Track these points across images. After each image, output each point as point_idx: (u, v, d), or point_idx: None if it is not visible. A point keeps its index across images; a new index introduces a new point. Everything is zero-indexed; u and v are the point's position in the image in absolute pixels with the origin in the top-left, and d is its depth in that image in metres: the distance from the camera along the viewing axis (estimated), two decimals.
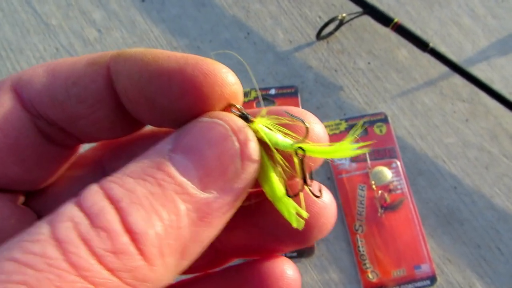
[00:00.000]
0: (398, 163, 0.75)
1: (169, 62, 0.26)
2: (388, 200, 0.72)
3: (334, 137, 0.77)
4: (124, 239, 0.22)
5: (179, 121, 0.26)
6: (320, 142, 0.28)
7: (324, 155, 0.28)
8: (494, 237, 0.72)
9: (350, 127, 0.78)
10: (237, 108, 0.27)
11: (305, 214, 0.27)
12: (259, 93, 0.80)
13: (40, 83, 0.27)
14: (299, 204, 0.28)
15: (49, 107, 0.27)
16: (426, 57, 0.82)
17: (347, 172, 0.74)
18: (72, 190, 0.30)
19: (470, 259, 0.71)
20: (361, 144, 0.28)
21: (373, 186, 0.73)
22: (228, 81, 0.26)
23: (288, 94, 0.79)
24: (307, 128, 0.27)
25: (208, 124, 0.25)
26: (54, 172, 0.30)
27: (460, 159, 0.77)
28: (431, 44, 0.78)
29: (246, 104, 0.79)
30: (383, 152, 0.76)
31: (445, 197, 0.75)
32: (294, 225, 0.27)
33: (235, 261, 0.33)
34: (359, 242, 0.71)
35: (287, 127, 0.28)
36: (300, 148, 0.27)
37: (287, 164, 0.27)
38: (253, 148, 0.26)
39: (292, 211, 0.27)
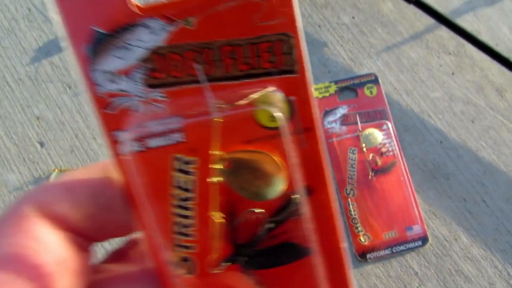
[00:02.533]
0: (389, 124, 0.75)
1: None
2: (380, 163, 0.73)
3: (324, 100, 0.75)
4: None
5: None
6: None
7: None
8: (480, 190, 0.74)
9: (340, 89, 0.76)
10: None
11: None
12: None
13: (66, 202, 0.27)
14: None
15: (79, 222, 0.28)
16: (412, 10, 0.80)
17: (337, 136, 0.74)
18: None
19: (455, 213, 0.73)
20: None
21: (364, 149, 0.73)
22: None
23: None
24: None
25: None
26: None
27: (446, 113, 0.77)
28: None
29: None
30: (373, 114, 0.75)
31: (431, 152, 0.75)
32: None
33: None
34: (351, 206, 0.71)
35: None
36: None
37: None
38: None
39: None
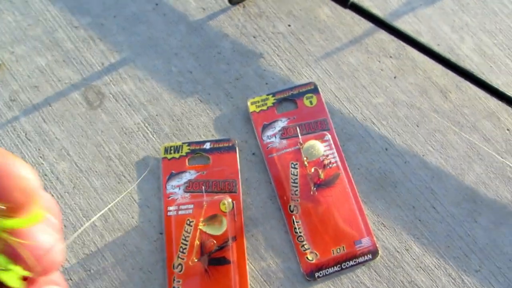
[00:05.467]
0: (330, 136, 0.72)
1: None
2: (322, 176, 0.70)
3: (262, 114, 0.72)
4: None
5: None
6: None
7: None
8: (429, 197, 0.72)
9: (278, 101, 0.73)
10: None
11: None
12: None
13: None
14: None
15: None
16: (350, 14, 0.77)
17: (277, 151, 0.71)
18: None
19: (405, 222, 0.71)
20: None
21: (306, 163, 0.70)
22: None
23: (225, 148, 0.72)
24: None
25: None
26: None
27: (390, 119, 0.75)
28: None
29: (177, 160, 0.71)
30: (314, 125, 0.72)
31: (376, 160, 0.73)
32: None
33: None
34: (295, 224, 0.68)
35: None
36: None
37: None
38: None
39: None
